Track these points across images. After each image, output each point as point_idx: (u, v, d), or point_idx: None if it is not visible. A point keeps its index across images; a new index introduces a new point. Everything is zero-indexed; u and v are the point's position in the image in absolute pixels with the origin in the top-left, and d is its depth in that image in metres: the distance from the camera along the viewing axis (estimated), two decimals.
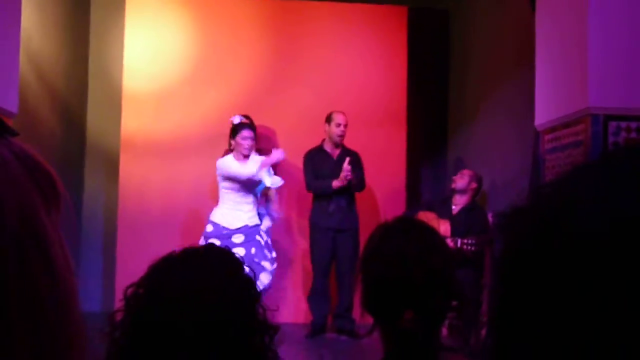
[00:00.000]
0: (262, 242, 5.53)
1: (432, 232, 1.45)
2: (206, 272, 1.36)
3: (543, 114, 4.12)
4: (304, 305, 6.21)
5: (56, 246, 0.52)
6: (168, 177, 6.56)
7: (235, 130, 5.68)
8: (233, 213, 5.54)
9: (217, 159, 5.70)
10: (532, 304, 0.43)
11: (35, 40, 5.77)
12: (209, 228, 5.56)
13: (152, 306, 1.31)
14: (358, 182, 5.89)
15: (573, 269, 0.41)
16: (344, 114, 6.03)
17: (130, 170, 6.54)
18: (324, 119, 6.14)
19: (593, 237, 0.41)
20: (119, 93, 6.70)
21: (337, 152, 6.02)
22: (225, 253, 1.43)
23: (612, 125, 3.55)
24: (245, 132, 5.61)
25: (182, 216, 6.42)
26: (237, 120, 5.78)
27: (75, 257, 6.90)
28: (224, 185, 5.61)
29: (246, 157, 5.61)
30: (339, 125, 5.95)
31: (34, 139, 5.87)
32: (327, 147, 6.05)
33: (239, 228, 5.51)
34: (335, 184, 5.75)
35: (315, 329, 5.82)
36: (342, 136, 5.97)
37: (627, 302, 0.39)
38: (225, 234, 5.45)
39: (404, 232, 1.45)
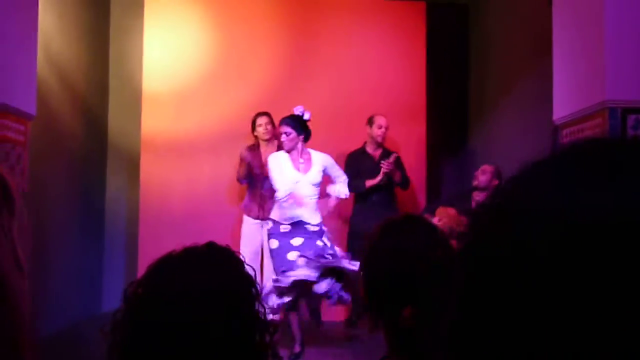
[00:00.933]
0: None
1: (433, 229, 1.45)
2: (206, 271, 1.36)
3: (561, 108, 4.08)
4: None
5: (3, 249, 0.52)
6: (188, 176, 6.60)
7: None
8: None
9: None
10: (484, 303, 0.43)
11: (56, 42, 5.84)
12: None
13: (152, 305, 1.32)
14: (401, 179, 6.12)
15: (523, 271, 0.41)
16: (384, 116, 6.22)
17: (150, 170, 6.59)
18: (342, 115, 6.17)
19: (540, 237, 0.40)
20: (139, 93, 6.75)
21: (378, 152, 6.24)
22: (225, 251, 1.43)
23: (631, 118, 3.50)
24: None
25: (203, 215, 6.45)
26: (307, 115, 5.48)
27: (98, 257, 6.98)
28: None
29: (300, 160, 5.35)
30: (380, 127, 6.18)
31: (56, 140, 5.94)
32: (369, 148, 6.29)
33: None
34: (369, 182, 6.00)
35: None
36: (383, 137, 6.21)
37: (575, 300, 0.38)
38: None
39: (404, 228, 1.45)
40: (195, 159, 6.60)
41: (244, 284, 1.40)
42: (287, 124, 5.31)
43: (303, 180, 5.19)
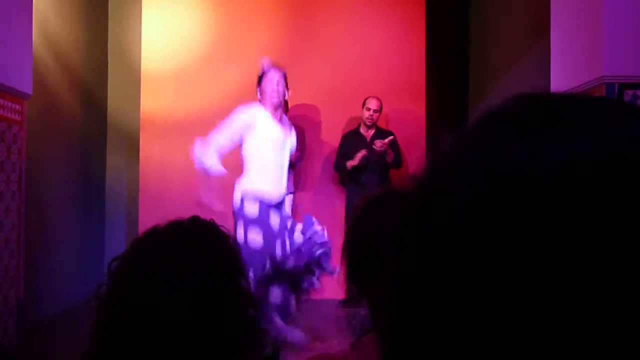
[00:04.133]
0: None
1: None
2: (191, 245, 1.36)
3: (559, 83, 4.05)
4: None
5: None
6: (188, 155, 6.58)
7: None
8: None
9: None
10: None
11: (52, 22, 5.81)
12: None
13: (136, 280, 1.32)
14: (392, 160, 6.14)
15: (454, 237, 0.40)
16: (377, 99, 6.26)
17: (150, 149, 6.59)
18: (341, 94, 6.16)
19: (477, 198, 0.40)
20: (138, 73, 6.73)
21: (370, 133, 6.28)
22: (210, 226, 1.43)
23: (628, 93, 3.49)
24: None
25: None
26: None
27: (99, 237, 7.00)
28: None
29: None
30: (369, 110, 6.24)
31: (55, 120, 5.93)
32: (362, 129, 6.35)
33: None
34: (350, 163, 6.08)
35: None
36: (371, 119, 6.25)
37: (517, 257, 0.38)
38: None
39: (388, 202, 1.44)
40: (194, 137, 6.57)
41: (228, 258, 1.40)
42: (283, 75, 4.72)
43: (287, 142, 4.61)
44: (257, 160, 4.46)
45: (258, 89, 4.59)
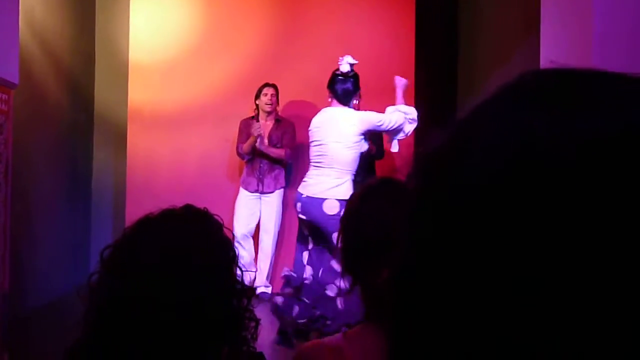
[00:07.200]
0: None
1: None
2: (183, 233, 1.35)
3: None
4: None
5: None
6: (175, 148, 6.57)
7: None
8: None
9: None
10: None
11: (39, 11, 5.76)
12: None
13: (129, 268, 1.31)
14: (376, 150, 5.96)
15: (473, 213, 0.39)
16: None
17: (137, 142, 6.56)
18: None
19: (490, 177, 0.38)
20: (126, 64, 6.69)
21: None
22: (203, 214, 1.43)
23: None
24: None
25: (190, 187, 6.44)
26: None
27: (86, 229, 6.96)
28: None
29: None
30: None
31: (41, 110, 5.89)
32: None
33: None
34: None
35: None
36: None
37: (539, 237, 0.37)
38: None
39: (383, 192, 1.44)
40: (182, 130, 6.57)
41: (221, 247, 1.39)
42: None
43: None
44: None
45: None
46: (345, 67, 4.79)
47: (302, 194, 4.56)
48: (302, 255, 4.53)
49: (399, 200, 1.41)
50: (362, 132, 4.63)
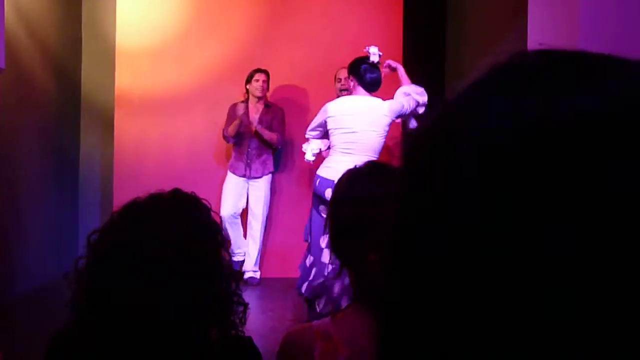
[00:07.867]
0: None
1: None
2: (171, 218, 1.35)
3: None
4: None
5: None
6: (163, 133, 6.54)
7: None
8: None
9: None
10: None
11: None
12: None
13: (116, 251, 1.30)
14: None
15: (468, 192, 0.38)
16: (346, 68, 6.03)
17: (125, 127, 6.52)
18: (317, 74, 6.12)
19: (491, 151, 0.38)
20: (113, 49, 6.64)
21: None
22: (191, 198, 1.42)
23: None
24: None
25: (178, 171, 6.42)
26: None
27: (73, 214, 6.93)
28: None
29: None
30: (339, 80, 6.04)
31: (27, 95, 5.84)
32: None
33: None
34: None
35: None
36: (343, 87, 5.98)
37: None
38: None
39: (372, 175, 1.44)
40: (170, 114, 6.53)
41: (209, 231, 1.39)
42: None
43: None
44: None
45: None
46: (375, 58, 4.88)
47: (333, 180, 4.52)
48: (319, 238, 4.53)
49: (387, 183, 1.42)
50: (392, 120, 4.79)
